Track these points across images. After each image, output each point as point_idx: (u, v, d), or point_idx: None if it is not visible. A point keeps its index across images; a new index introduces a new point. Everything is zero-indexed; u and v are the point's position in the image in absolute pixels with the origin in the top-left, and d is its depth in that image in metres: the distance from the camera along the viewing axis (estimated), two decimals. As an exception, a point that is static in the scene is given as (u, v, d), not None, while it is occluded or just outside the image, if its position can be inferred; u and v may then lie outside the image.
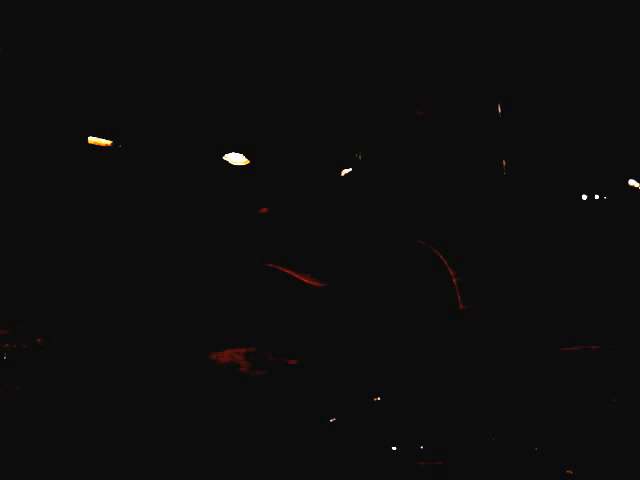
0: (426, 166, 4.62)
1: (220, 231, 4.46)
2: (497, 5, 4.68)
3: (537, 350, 4.01)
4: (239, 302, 4.35)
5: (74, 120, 4.47)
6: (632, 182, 4.71)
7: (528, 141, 4.73)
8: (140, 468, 2.73)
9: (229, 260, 4.41)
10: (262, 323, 4.32)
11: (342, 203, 4.51)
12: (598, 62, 4.80)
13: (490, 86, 4.74)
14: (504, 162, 4.59)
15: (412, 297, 4.30)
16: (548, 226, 4.59)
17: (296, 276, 4.36)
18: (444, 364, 3.94)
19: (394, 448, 2.92)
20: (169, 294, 4.32)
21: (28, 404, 3.40)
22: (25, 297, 4.23)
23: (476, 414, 3.26)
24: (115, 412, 3.31)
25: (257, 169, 4.56)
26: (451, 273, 4.28)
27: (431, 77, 4.70)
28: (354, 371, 3.87)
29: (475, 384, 3.65)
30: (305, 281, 4.35)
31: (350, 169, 4.52)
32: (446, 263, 4.29)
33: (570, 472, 2.65)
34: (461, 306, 4.22)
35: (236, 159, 4.55)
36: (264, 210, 4.34)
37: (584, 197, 4.66)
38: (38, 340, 3.97)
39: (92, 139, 4.43)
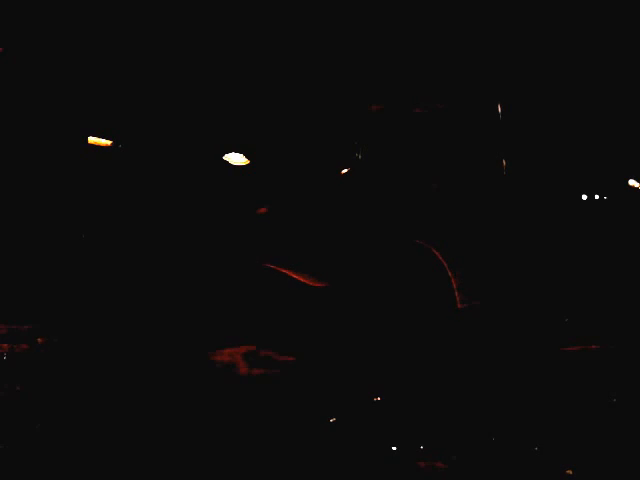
0: (426, 166, 4.62)
1: (220, 231, 4.46)
2: (497, 5, 4.68)
3: (537, 350, 4.01)
4: (238, 301, 4.35)
5: (74, 120, 4.47)
6: (632, 182, 4.71)
7: (528, 141, 4.73)
8: (141, 467, 2.73)
9: (229, 260, 4.41)
10: (262, 322, 4.32)
11: (342, 203, 4.51)
12: (598, 62, 4.80)
13: (490, 86, 4.74)
14: (504, 162, 4.59)
15: (411, 297, 4.30)
16: (548, 226, 4.59)
17: (295, 276, 4.36)
18: (444, 364, 3.94)
19: (394, 448, 2.92)
20: (169, 293, 4.32)
21: (28, 405, 3.40)
22: (25, 297, 4.23)
23: (476, 414, 3.26)
24: (115, 411, 3.31)
25: (257, 169, 4.56)
26: (450, 273, 4.28)
27: (431, 77, 4.69)
28: (354, 371, 3.88)
29: (475, 384, 3.65)
30: (304, 281, 4.35)
31: (349, 169, 4.52)
32: (445, 263, 4.29)
33: (570, 472, 2.65)
34: (459, 306, 4.22)
35: (236, 159, 4.54)
36: (263, 210, 4.34)
37: (584, 197, 4.66)
38: (39, 340, 3.98)
39: (92, 139, 4.43)
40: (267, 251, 4.43)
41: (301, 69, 4.62)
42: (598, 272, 4.51)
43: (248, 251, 4.42)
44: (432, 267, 4.33)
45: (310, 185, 4.53)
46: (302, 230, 4.47)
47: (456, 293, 4.25)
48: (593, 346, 4.02)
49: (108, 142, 4.44)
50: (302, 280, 4.33)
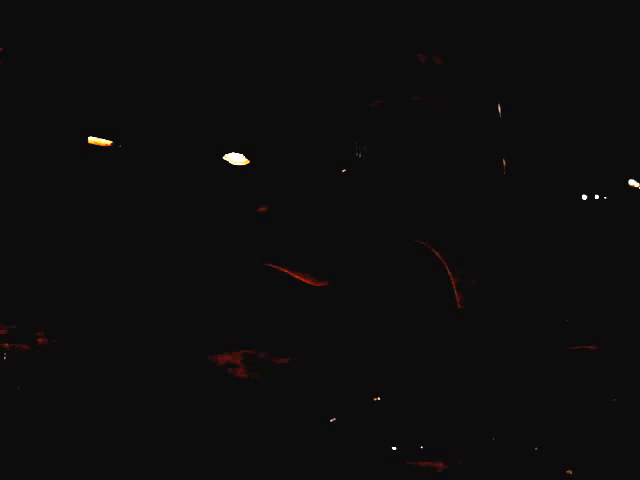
0: (425, 166, 4.62)
1: (220, 231, 4.46)
2: (496, 5, 4.68)
3: (537, 350, 4.01)
4: (238, 301, 4.35)
5: (74, 120, 4.47)
6: (632, 182, 4.71)
7: (528, 141, 4.73)
8: (140, 468, 2.73)
9: (228, 260, 4.41)
10: (262, 322, 4.32)
11: (342, 203, 4.51)
12: (598, 62, 4.80)
13: (490, 85, 4.74)
14: (504, 162, 4.59)
15: (411, 297, 4.30)
16: (548, 226, 4.59)
17: (295, 276, 4.36)
18: (444, 364, 3.94)
19: (394, 448, 2.92)
20: (169, 293, 4.33)
21: (28, 405, 3.40)
22: (26, 297, 4.23)
23: (476, 414, 3.26)
24: (115, 413, 3.31)
25: (257, 169, 4.56)
26: (450, 273, 4.28)
27: (431, 77, 4.70)
28: (354, 371, 3.88)
29: (475, 384, 3.65)
30: (305, 281, 4.35)
31: (349, 168, 4.52)
32: (445, 263, 4.29)
33: (570, 472, 2.65)
34: (460, 306, 4.22)
35: (236, 159, 4.54)
36: (263, 208, 4.34)
37: (584, 197, 4.66)
38: (39, 340, 3.98)
39: (92, 139, 4.43)
40: (267, 251, 4.43)
41: (301, 70, 4.62)
42: (598, 272, 4.51)
43: (248, 251, 4.42)
44: (432, 267, 4.33)
45: (310, 185, 4.53)
46: (302, 230, 4.47)
47: (456, 293, 4.26)
48: (593, 346, 4.02)
49: (108, 142, 4.44)
50: (303, 280, 4.33)
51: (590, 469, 2.68)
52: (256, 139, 4.60)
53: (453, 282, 4.27)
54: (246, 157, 4.56)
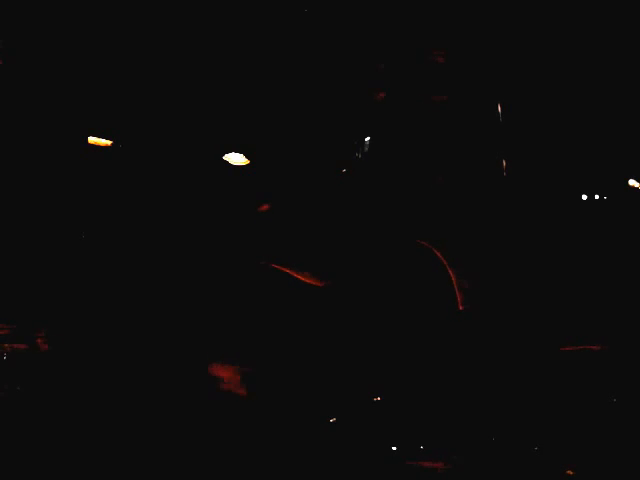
0: (426, 166, 4.61)
1: (220, 231, 4.46)
2: (496, 4, 4.68)
3: (537, 350, 4.01)
4: (238, 302, 4.35)
5: (74, 120, 4.47)
6: (632, 182, 4.71)
7: (528, 141, 4.72)
8: (139, 469, 2.73)
9: (228, 260, 4.41)
10: (261, 321, 4.32)
11: (342, 203, 4.51)
12: (598, 62, 4.80)
13: (490, 85, 4.74)
14: (504, 162, 4.59)
15: (412, 298, 4.30)
16: (548, 226, 4.58)
17: (296, 276, 4.36)
18: (444, 364, 3.93)
19: (394, 448, 2.92)
20: (169, 293, 4.32)
21: (28, 406, 3.40)
22: (25, 297, 4.23)
23: (476, 414, 3.26)
24: (115, 412, 3.31)
25: (257, 169, 4.55)
26: (451, 274, 4.28)
27: (431, 77, 4.69)
28: (354, 371, 3.87)
29: (475, 384, 3.65)
30: (305, 281, 4.35)
31: (349, 168, 4.52)
32: (446, 263, 4.28)
33: (570, 472, 2.65)
34: (461, 307, 4.22)
35: (236, 159, 4.54)
36: (265, 207, 4.34)
37: (584, 197, 4.66)
38: (39, 340, 3.97)
39: (92, 139, 4.43)
40: (268, 251, 4.43)
41: (301, 70, 4.62)
42: (598, 272, 4.51)
43: (248, 251, 4.42)
44: (433, 267, 4.33)
45: (310, 185, 4.53)
46: (303, 229, 4.47)
47: (457, 294, 4.25)
48: (593, 346, 4.02)
49: (108, 142, 4.44)
50: (304, 279, 4.33)
51: (590, 469, 2.68)
52: (256, 139, 4.60)
53: (454, 282, 4.27)
54: (246, 157, 4.55)
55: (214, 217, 4.45)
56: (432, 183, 4.47)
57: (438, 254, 4.32)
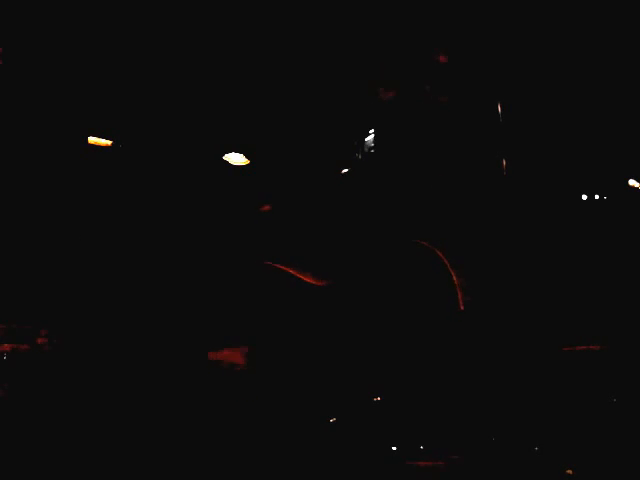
0: (427, 166, 4.62)
1: (220, 231, 4.46)
2: (496, 4, 4.68)
3: (537, 350, 4.01)
4: (238, 301, 4.35)
5: (74, 120, 4.47)
6: (632, 182, 4.71)
7: (528, 141, 4.73)
8: (140, 466, 2.73)
9: (228, 260, 4.41)
10: (263, 321, 4.32)
11: (343, 203, 4.51)
12: (598, 62, 4.80)
13: (490, 86, 4.74)
14: (504, 162, 4.59)
15: (413, 297, 4.30)
16: (548, 226, 4.59)
17: (297, 275, 4.36)
18: (445, 364, 3.94)
19: (394, 448, 2.92)
20: (169, 293, 4.33)
21: (28, 405, 3.40)
22: (26, 297, 4.23)
23: (476, 414, 3.26)
24: (115, 411, 3.31)
25: (257, 169, 4.56)
26: (452, 274, 4.28)
27: (431, 77, 4.69)
28: (354, 371, 3.88)
29: (475, 384, 3.65)
30: (306, 280, 4.35)
31: (350, 168, 4.52)
32: (447, 264, 4.29)
33: (570, 472, 2.65)
34: (462, 307, 4.22)
35: (236, 159, 4.54)
36: (266, 207, 4.34)
37: (584, 197, 4.66)
38: (39, 340, 3.98)
39: (92, 139, 4.43)
40: (268, 250, 4.43)
41: (301, 69, 4.62)
42: (598, 272, 4.51)
43: (248, 250, 4.42)
44: (435, 268, 4.33)
45: (311, 185, 4.53)
46: (304, 229, 4.47)
47: (459, 294, 4.26)
48: (593, 346, 4.02)
49: (108, 142, 4.44)
50: (305, 279, 4.33)
51: (590, 469, 2.68)
52: (256, 139, 4.60)
53: (456, 283, 4.27)
54: (246, 157, 4.56)
55: (214, 217, 4.46)
56: (432, 183, 4.47)
57: (439, 254, 4.32)
